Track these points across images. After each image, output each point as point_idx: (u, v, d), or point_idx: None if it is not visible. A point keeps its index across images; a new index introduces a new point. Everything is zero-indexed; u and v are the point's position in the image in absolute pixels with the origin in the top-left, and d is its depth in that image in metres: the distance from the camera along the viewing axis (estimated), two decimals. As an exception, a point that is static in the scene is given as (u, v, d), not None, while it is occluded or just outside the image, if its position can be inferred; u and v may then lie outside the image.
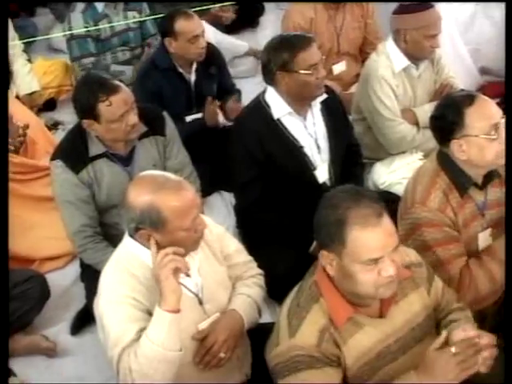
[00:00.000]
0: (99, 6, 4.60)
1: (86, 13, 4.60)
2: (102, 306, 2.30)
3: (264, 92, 3.31)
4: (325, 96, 3.30)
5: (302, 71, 3.10)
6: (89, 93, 2.91)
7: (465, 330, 2.07)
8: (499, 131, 2.54)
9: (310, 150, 3.32)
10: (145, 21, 4.85)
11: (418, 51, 3.67)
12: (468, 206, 2.69)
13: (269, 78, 3.22)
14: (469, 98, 2.57)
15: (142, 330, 2.23)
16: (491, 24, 4.88)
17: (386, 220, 2.01)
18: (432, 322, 2.30)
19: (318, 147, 3.34)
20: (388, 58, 3.72)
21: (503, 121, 2.63)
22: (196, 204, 2.29)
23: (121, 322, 2.25)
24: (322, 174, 3.36)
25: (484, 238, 2.77)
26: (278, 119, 3.25)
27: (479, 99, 2.57)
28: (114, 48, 4.74)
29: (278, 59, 3.12)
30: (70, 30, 4.62)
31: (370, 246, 1.98)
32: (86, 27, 4.55)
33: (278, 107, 3.24)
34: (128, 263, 2.33)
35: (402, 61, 3.71)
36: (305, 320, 2.09)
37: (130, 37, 4.77)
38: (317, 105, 3.31)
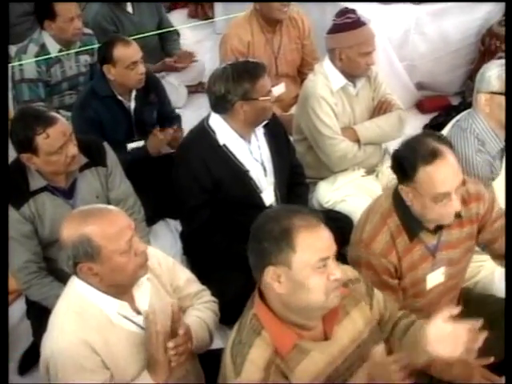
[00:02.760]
0: (52, 50, 4.49)
1: (38, 56, 4.50)
2: (53, 356, 2.23)
3: (208, 117, 3.31)
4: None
5: (262, 98, 3.15)
6: (25, 126, 2.86)
7: (443, 322, 2.10)
8: (449, 199, 2.46)
9: (255, 173, 3.34)
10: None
11: (354, 69, 3.71)
12: (417, 248, 2.66)
13: (225, 108, 3.20)
14: (430, 155, 2.44)
15: None
16: (424, 40, 4.96)
17: (324, 227, 2.05)
18: (376, 336, 2.29)
19: (264, 170, 3.37)
20: (325, 78, 3.74)
21: (464, 188, 2.59)
22: (128, 225, 2.25)
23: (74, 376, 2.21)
24: (269, 197, 3.38)
25: (434, 278, 2.74)
26: (224, 144, 3.25)
27: (439, 160, 2.44)
28: (63, 92, 4.66)
29: (239, 89, 3.13)
30: (20, 72, 4.47)
31: (318, 246, 2.00)
32: (38, 72, 4.44)
33: (224, 133, 3.25)
34: (80, 308, 2.28)
35: (339, 79, 3.75)
36: (248, 356, 2.05)
37: (79, 81, 4.68)
38: (260, 128, 3.34)
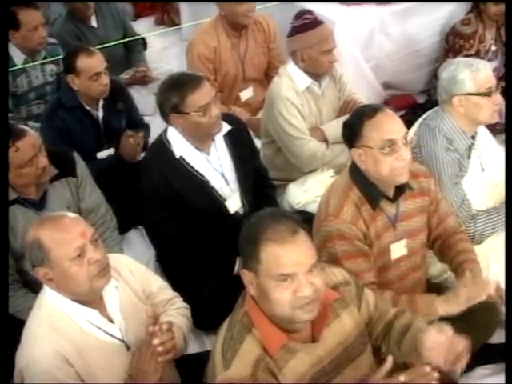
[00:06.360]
0: (17, 60, 4.51)
1: None
2: (27, 367, 2.23)
3: (165, 130, 3.30)
4: (228, 128, 3.30)
5: (193, 113, 3.10)
6: None
7: (441, 331, 2.16)
8: (397, 148, 2.62)
9: (216, 183, 3.31)
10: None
11: (318, 68, 3.76)
12: (380, 218, 2.77)
13: (165, 119, 3.22)
14: (372, 111, 2.67)
15: None
16: (389, 40, 5.02)
17: (302, 238, 2.05)
18: (364, 339, 2.32)
19: (226, 180, 3.34)
20: (290, 79, 3.78)
21: (411, 139, 2.81)
22: (81, 232, 2.25)
23: None
24: (234, 204, 3.37)
25: (397, 249, 2.85)
26: (181, 157, 3.23)
27: (381, 113, 2.66)
28: (30, 102, 4.66)
29: (169, 102, 3.11)
30: None
31: (282, 262, 2.01)
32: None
33: (180, 145, 3.23)
34: (52, 318, 2.30)
35: (304, 80, 3.79)
36: (238, 351, 2.08)
37: (46, 91, 4.70)
38: (220, 138, 3.31)
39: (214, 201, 3.30)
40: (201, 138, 3.23)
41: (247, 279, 2.11)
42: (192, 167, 3.25)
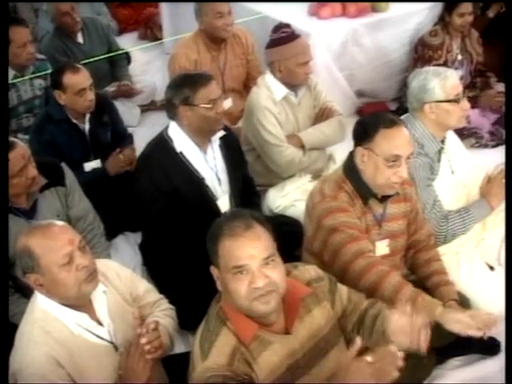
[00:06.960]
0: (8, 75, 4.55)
1: None
2: (20, 370, 2.29)
3: (167, 127, 3.44)
4: (223, 133, 3.47)
5: (203, 105, 3.28)
6: None
7: (402, 314, 2.27)
8: (399, 164, 2.76)
9: (211, 182, 3.46)
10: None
11: (294, 79, 3.88)
12: (368, 215, 2.92)
13: (172, 112, 3.36)
14: (391, 122, 2.78)
15: None
16: (361, 51, 5.16)
17: (255, 232, 2.14)
18: (337, 332, 2.41)
19: (219, 179, 3.49)
20: (268, 89, 3.91)
21: (415, 161, 3.00)
22: (69, 240, 2.33)
23: None
24: (224, 205, 3.50)
25: (381, 248, 2.99)
26: (181, 152, 3.38)
27: (398, 127, 2.78)
28: (19, 115, 4.74)
29: (181, 94, 3.29)
30: None
31: (235, 254, 2.11)
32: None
33: (181, 141, 3.38)
34: (43, 321, 2.36)
35: (281, 90, 3.91)
36: (215, 342, 2.18)
37: (35, 104, 4.77)
38: (217, 140, 3.47)
39: (207, 199, 3.44)
40: (203, 133, 3.39)
41: (215, 275, 2.23)
42: (190, 163, 3.40)
